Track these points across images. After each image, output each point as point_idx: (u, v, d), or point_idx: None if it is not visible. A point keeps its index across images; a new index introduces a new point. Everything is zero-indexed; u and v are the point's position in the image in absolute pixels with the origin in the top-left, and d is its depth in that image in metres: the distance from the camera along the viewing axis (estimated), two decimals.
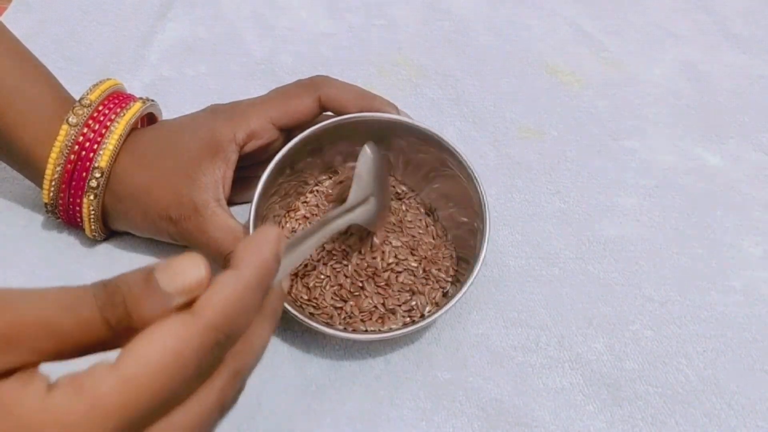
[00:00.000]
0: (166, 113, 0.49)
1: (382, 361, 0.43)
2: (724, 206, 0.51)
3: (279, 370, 0.42)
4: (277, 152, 0.43)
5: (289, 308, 0.40)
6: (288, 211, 0.47)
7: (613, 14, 0.64)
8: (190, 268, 0.24)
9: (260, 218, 0.42)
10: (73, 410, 0.21)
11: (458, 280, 0.44)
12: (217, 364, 0.24)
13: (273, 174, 0.42)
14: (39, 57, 0.46)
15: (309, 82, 0.45)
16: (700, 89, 0.58)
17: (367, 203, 0.41)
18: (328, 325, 0.41)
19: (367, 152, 0.43)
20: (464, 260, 0.44)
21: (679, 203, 0.51)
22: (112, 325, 0.23)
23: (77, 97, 0.43)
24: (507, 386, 0.42)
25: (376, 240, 0.45)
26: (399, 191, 0.48)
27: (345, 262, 0.44)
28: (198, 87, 0.56)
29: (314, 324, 0.40)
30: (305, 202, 0.47)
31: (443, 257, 0.45)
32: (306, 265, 0.44)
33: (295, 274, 0.44)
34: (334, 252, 0.44)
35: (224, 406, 0.25)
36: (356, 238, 0.45)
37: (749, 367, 0.44)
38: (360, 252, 0.44)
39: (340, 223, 0.39)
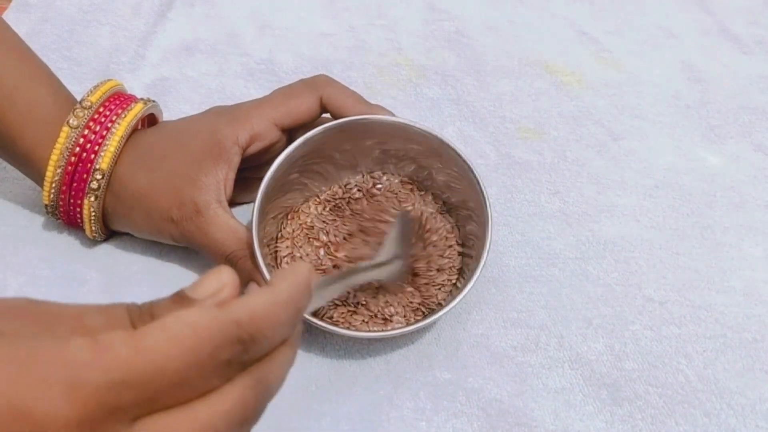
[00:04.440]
0: (166, 113, 0.49)
1: (382, 361, 0.43)
2: (724, 206, 0.51)
3: None
4: (279, 154, 0.43)
5: None
6: (289, 214, 0.47)
7: (613, 14, 0.64)
8: (213, 276, 0.25)
9: (262, 220, 0.42)
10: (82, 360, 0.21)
11: (460, 280, 0.44)
12: (237, 367, 0.23)
13: (275, 175, 0.42)
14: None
15: (311, 81, 0.45)
16: (700, 89, 0.58)
17: (392, 264, 0.42)
18: (329, 323, 0.42)
19: (400, 220, 0.43)
20: (465, 260, 0.45)
21: (679, 203, 0.51)
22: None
23: (78, 98, 0.43)
24: (507, 386, 0.42)
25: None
26: None
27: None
28: (198, 87, 0.56)
29: (316, 321, 0.40)
30: (306, 204, 0.47)
31: (447, 257, 0.45)
32: None
33: None
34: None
35: (244, 418, 0.24)
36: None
37: (749, 367, 0.44)
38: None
39: (366, 277, 0.39)
